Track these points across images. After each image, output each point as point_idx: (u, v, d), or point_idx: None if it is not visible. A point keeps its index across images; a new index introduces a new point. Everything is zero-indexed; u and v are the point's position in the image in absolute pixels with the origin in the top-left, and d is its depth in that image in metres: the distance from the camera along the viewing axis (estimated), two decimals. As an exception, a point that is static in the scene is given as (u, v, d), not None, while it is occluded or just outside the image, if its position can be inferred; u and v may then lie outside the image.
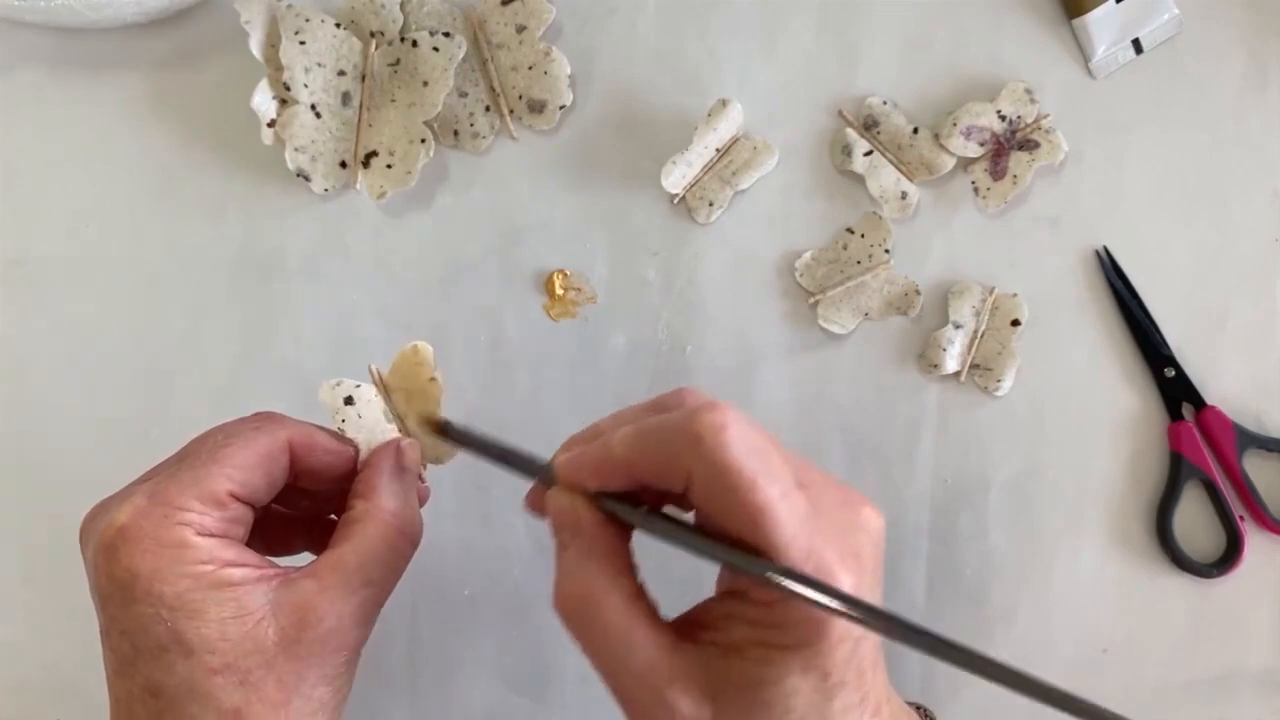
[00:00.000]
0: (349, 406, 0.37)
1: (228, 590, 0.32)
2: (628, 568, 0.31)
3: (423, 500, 0.39)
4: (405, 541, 0.35)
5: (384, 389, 0.38)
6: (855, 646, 0.29)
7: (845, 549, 0.29)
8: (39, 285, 0.50)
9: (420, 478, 0.39)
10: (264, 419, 0.35)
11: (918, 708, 0.36)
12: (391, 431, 0.38)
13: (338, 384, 0.37)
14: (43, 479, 0.50)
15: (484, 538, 0.50)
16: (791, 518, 0.27)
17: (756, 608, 0.29)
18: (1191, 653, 0.50)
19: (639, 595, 0.31)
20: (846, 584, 0.28)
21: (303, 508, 0.39)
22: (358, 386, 0.37)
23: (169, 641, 0.31)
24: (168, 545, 0.31)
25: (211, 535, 0.32)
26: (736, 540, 0.28)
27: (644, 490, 0.31)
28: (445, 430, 0.37)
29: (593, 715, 0.50)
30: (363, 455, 0.37)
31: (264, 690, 0.32)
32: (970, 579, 0.50)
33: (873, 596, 0.29)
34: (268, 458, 0.34)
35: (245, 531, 0.34)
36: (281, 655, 0.32)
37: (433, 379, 0.38)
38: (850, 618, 0.27)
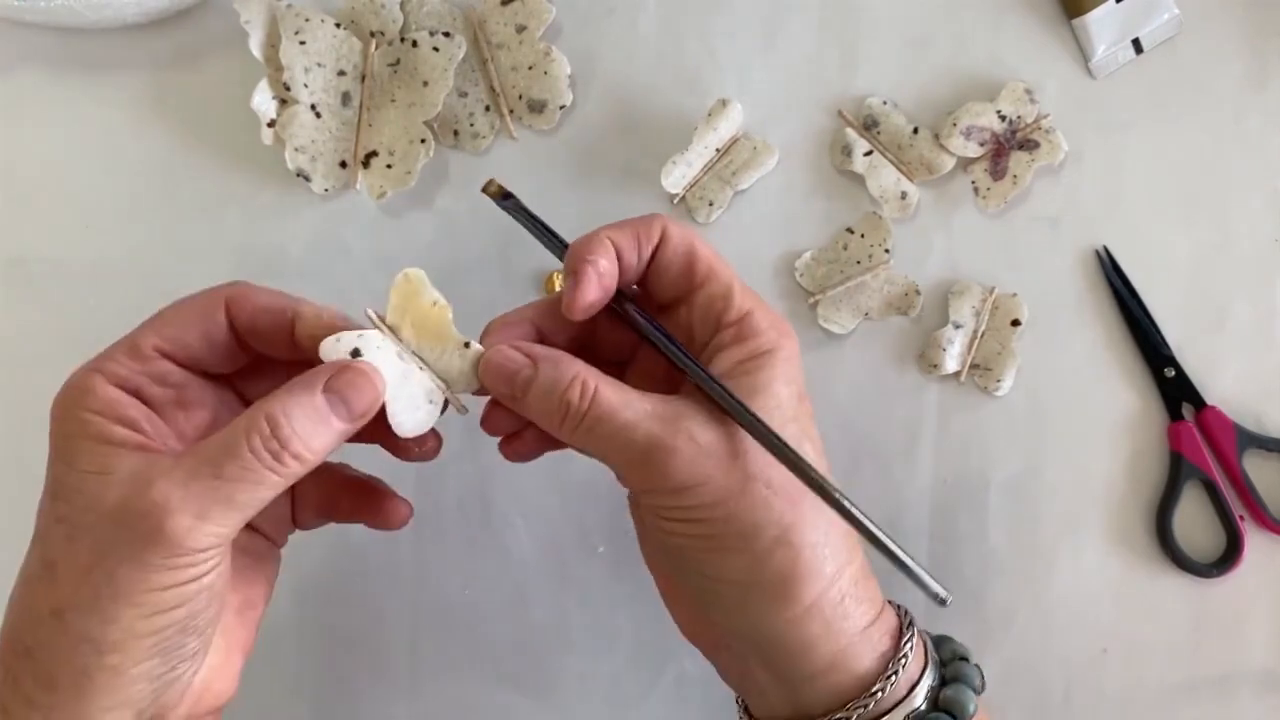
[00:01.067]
0: (359, 360, 0.34)
1: (102, 446, 0.31)
2: (596, 366, 0.35)
3: (429, 453, 0.37)
4: (272, 456, 0.31)
5: (389, 330, 0.35)
6: (798, 365, 0.36)
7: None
8: (39, 285, 0.50)
9: (450, 406, 0.36)
10: (226, 285, 0.35)
11: (895, 606, 0.38)
12: (413, 372, 0.35)
13: (338, 339, 0.33)
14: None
15: (484, 538, 0.50)
16: (736, 278, 0.36)
17: (732, 329, 0.35)
18: (1191, 653, 0.50)
19: (617, 379, 0.35)
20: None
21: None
22: (360, 335, 0.34)
23: (49, 482, 0.32)
24: (75, 388, 0.32)
25: (123, 387, 0.32)
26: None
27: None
28: (504, 195, 0.36)
29: (593, 715, 0.50)
30: (388, 393, 0.34)
31: (77, 549, 0.30)
32: (970, 579, 0.50)
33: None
34: (199, 312, 0.34)
35: (172, 395, 0.34)
36: (107, 521, 0.30)
37: (435, 303, 0.35)
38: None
